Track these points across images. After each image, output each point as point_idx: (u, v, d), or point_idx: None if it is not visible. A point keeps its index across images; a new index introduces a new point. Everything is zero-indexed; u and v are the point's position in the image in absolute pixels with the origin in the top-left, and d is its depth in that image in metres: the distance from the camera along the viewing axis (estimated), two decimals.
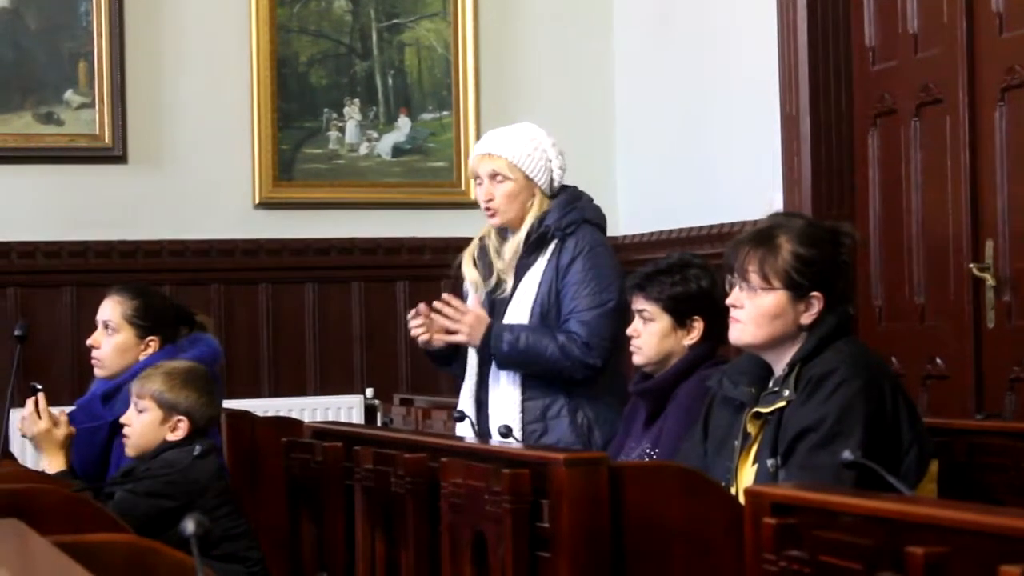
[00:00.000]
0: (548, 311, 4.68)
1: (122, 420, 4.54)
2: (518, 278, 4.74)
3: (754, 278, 3.64)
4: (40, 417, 4.68)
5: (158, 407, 4.48)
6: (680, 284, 4.28)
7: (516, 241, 4.74)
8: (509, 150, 4.73)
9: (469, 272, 4.83)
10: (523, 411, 4.67)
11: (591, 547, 3.27)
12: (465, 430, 4.76)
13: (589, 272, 4.66)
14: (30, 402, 4.72)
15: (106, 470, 4.72)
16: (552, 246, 4.72)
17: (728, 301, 3.71)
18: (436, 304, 4.69)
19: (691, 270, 4.30)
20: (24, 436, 4.78)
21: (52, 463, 4.65)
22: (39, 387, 4.75)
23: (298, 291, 7.02)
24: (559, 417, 4.66)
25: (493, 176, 4.73)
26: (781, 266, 3.63)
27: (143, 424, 4.50)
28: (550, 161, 4.76)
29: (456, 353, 4.83)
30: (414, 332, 4.75)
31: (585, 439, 4.63)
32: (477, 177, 4.79)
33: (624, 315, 4.56)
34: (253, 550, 4.43)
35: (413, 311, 4.75)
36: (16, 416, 6.29)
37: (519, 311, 4.71)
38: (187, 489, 4.30)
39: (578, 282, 4.66)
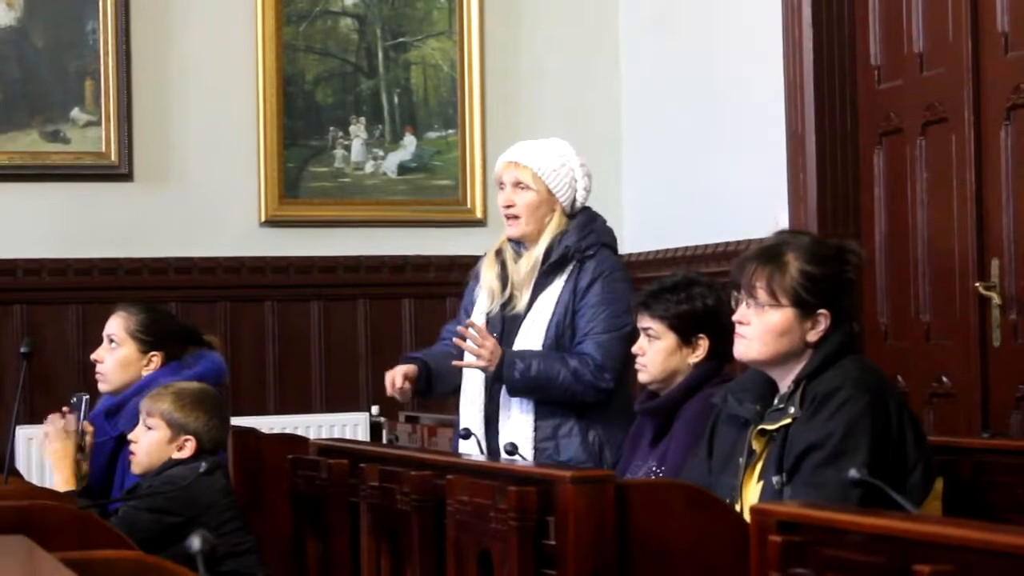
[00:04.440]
0: (563, 332, 4.69)
1: (130, 437, 4.56)
2: (534, 297, 4.75)
3: (762, 295, 3.65)
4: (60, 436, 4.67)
5: (167, 426, 4.50)
6: (685, 302, 4.28)
7: (533, 257, 4.76)
8: (536, 161, 4.76)
9: (488, 278, 4.83)
10: (535, 429, 4.68)
11: (597, 565, 3.27)
12: (470, 447, 4.76)
13: (607, 296, 4.67)
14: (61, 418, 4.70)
15: (111, 485, 4.72)
16: (570, 268, 4.73)
17: (735, 317, 3.71)
18: (459, 328, 4.70)
19: (696, 288, 4.31)
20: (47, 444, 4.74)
21: (61, 481, 4.65)
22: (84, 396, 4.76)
23: (304, 309, 7.03)
24: (570, 436, 4.67)
25: (516, 184, 4.76)
26: (789, 283, 3.63)
27: (150, 442, 4.51)
28: (575, 180, 4.78)
29: (430, 381, 4.85)
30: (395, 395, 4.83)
31: (596, 458, 4.64)
32: (501, 183, 4.80)
33: (634, 340, 4.57)
34: (260, 567, 4.43)
35: (398, 392, 4.79)
36: (22, 433, 6.32)
37: (534, 331, 4.72)
38: (190, 505, 4.31)
39: (596, 304, 4.67)
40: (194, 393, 4.58)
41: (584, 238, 4.73)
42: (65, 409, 4.72)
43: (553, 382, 4.61)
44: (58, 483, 4.64)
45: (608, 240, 4.80)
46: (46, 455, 4.70)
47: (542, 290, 4.74)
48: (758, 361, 3.69)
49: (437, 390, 4.91)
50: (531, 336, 4.72)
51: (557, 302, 4.71)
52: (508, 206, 4.76)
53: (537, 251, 4.75)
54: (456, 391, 4.91)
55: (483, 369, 4.69)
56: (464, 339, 4.67)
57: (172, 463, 4.46)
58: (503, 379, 4.65)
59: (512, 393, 4.69)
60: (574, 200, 4.79)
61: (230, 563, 4.34)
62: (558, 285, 4.72)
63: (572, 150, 4.84)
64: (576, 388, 4.61)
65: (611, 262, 4.75)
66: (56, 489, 4.59)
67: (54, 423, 4.68)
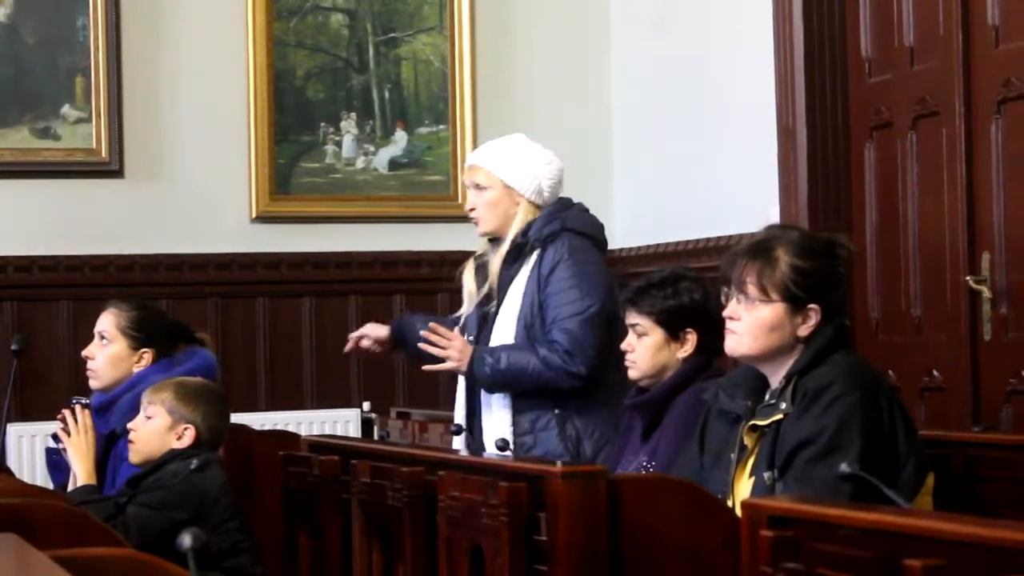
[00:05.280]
0: (532, 324, 4.70)
1: (129, 426, 4.56)
2: (503, 291, 4.77)
3: (752, 290, 3.64)
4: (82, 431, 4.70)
5: (167, 414, 4.50)
6: (672, 297, 4.28)
7: (500, 253, 4.78)
8: (488, 160, 4.80)
9: (467, 282, 4.87)
10: (513, 424, 4.69)
11: (588, 560, 3.27)
12: (462, 443, 4.78)
13: (569, 280, 4.68)
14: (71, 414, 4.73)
15: (103, 483, 4.72)
16: (534, 257, 4.74)
17: (725, 313, 3.71)
18: (423, 333, 4.73)
19: (683, 283, 4.31)
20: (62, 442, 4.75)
21: (84, 474, 4.66)
22: (84, 401, 4.77)
23: (295, 305, 7.02)
24: (548, 429, 4.68)
25: (476, 187, 4.80)
26: (779, 279, 3.63)
27: (150, 430, 4.51)
28: (536, 170, 4.77)
29: (404, 338, 5.02)
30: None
31: (574, 451, 4.65)
32: (468, 188, 4.86)
33: (611, 322, 4.59)
34: (257, 566, 4.42)
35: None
36: (13, 431, 6.32)
37: (505, 325, 4.74)
38: (198, 501, 4.30)
39: (559, 291, 4.68)
40: (196, 384, 4.60)
41: (547, 225, 4.75)
42: (77, 407, 4.73)
43: (524, 372, 4.62)
44: (81, 477, 4.65)
45: (576, 225, 4.79)
46: (69, 449, 4.70)
47: (509, 283, 4.76)
48: (749, 356, 3.69)
49: (411, 356, 5.08)
50: (503, 332, 4.74)
51: (524, 295, 4.73)
52: (471, 209, 4.81)
53: (503, 247, 4.78)
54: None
55: (456, 370, 4.72)
56: (431, 343, 4.72)
57: (171, 454, 4.45)
58: (475, 377, 4.68)
59: (488, 389, 4.71)
60: (540, 191, 4.78)
61: (230, 561, 4.33)
62: (523, 276, 4.75)
63: (532, 143, 4.85)
64: (548, 375, 4.62)
65: (571, 245, 4.74)
66: (80, 483, 4.61)
67: (81, 416, 4.69)
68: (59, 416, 4.76)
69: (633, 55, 7.22)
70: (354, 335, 5.12)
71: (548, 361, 4.62)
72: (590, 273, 4.72)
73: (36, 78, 6.72)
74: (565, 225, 4.76)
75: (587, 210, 4.87)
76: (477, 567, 3.47)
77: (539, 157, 4.80)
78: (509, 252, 4.76)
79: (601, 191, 7.06)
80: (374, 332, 5.09)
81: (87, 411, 4.73)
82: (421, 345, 4.74)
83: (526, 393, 4.67)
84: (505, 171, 4.77)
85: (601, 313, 4.63)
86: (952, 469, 3.84)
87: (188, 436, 4.50)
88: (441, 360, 4.74)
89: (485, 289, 4.82)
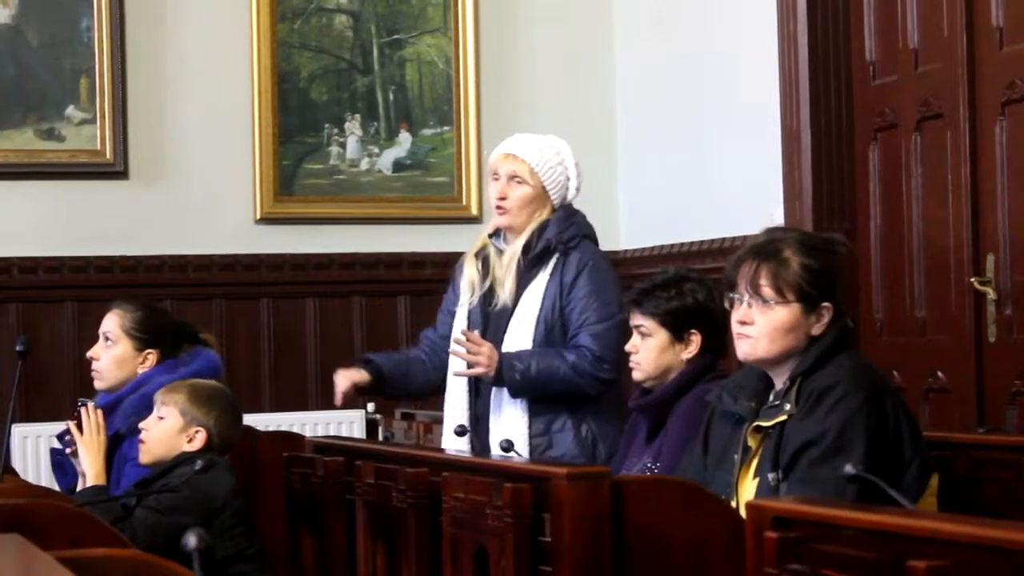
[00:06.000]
0: (553, 327, 4.70)
1: (141, 426, 4.54)
2: (519, 293, 4.75)
3: (768, 292, 3.63)
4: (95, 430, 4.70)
5: (179, 415, 4.49)
6: (676, 298, 4.28)
7: (513, 250, 4.77)
8: (533, 156, 4.77)
9: (469, 272, 4.85)
10: (529, 426, 4.69)
11: (593, 561, 3.27)
12: (460, 444, 4.77)
13: (595, 286, 4.69)
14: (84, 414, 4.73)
15: (108, 483, 4.72)
16: (553, 261, 4.74)
17: (737, 318, 3.68)
18: (456, 338, 4.72)
19: (687, 284, 4.31)
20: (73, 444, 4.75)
21: (94, 475, 4.65)
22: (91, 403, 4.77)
23: (299, 306, 7.02)
24: (564, 431, 4.68)
25: (511, 177, 4.76)
26: (793, 279, 3.63)
27: (161, 430, 4.50)
28: (568, 179, 4.80)
29: (380, 385, 4.97)
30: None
31: (589, 453, 4.65)
32: (495, 174, 4.80)
33: (626, 329, 4.58)
34: (265, 572, 4.41)
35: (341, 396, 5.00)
36: (17, 432, 6.32)
37: (523, 327, 4.73)
38: (205, 506, 4.28)
39: (585, 296, 4.68)
40: (210, 388, 4.59)
41: (565, 230, 4.75)
42: (90, 406, 4.73)
43: (554, 378, 4.62)
44: (90, 477, 4.65)
45: (589, 232, 4.82)
46: (81, 448, 4.70)
47: (527, 285, 4.75)
48: (765, 360, 3.67)
49: (388, 392, 5.08)
50: (520, 333, 4.73)
51: (544, 297, 4.72)
52: (502, 198, 4.77)
53: (518, 244, 4.76)
54: (412, 395, 5.13)
55: (484, 375, 4.70)
56: (463, 349, 4.70)
57: (182, 457, 4.43)
58: (504, 382, 4.66)
59: (515, 395, 4.70)
60: (564, 197, 4.80)
61: (240, 566, 4.32)
62: (542, 280, 4.74)
63: (568, 148, 4.84)
64: (579, 381, 4.63)
65: (594, 252, 4.78)
66: (89, 483, 4.61)
67: (94, 416, 4.69)
68: (72, 418, 4.74)
69: (637, 56, 7.22)
70: (343, 391, 5.00)
71: (578, 367, 4.62)
72: (611, 280, 4.76)
73: (40, 79, 6.72)
74: (584, 231, 4.77)
75: (584, 216, 4.89)
76: (481, 568, 3.48)
77: (574, 167, 4.82)
78: (535, 255, 4.74)
79: (605, 192, 7.06)
80: (358, 378, 4.99)
81: (100, 411, 4.73)
82: (452, 351, 4.74)
83: (550, 397, 4.68)
84: (547, 173, 4.77)
85: (623, 321, 4.64)
86: (956, 471, 3.84)
87: (199, 439, 4.48)
88: (468, 365, 4.73)
89: (487, 284, 4.81)
